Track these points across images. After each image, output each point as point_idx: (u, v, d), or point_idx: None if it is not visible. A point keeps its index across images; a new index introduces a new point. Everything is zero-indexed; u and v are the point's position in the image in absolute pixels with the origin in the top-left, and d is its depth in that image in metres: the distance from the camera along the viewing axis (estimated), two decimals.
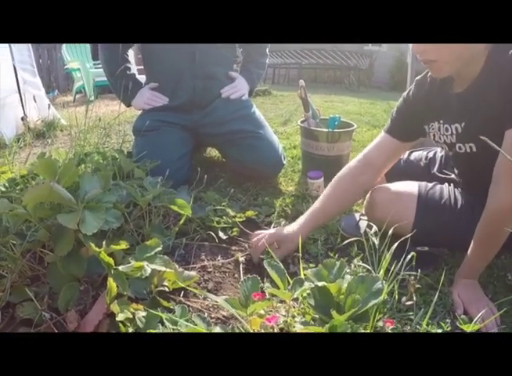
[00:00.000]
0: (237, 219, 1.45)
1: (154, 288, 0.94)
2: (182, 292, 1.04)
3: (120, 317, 0.78)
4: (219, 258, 1.27)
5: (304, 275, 0.91)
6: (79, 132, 2.31)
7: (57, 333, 0.86)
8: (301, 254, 1.30)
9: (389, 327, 0.80)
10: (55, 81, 7.64)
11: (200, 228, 1.39)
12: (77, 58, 6.09)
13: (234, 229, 1.42)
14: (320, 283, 0.80)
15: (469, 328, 0.99)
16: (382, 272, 0.95)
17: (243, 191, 1.79)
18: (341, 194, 1.41)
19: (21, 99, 3.11)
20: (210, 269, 1.16)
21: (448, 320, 1.06)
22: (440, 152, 1.66)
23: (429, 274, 1.27)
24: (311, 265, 1.25)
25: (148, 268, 0.88)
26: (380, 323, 0.85)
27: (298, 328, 0.75)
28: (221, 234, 1.38)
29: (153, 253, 0.95)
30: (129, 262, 0.90)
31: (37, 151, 2.45)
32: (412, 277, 1.00)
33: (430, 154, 1.69)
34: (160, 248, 0.98)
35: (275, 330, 0.80)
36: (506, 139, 1.07)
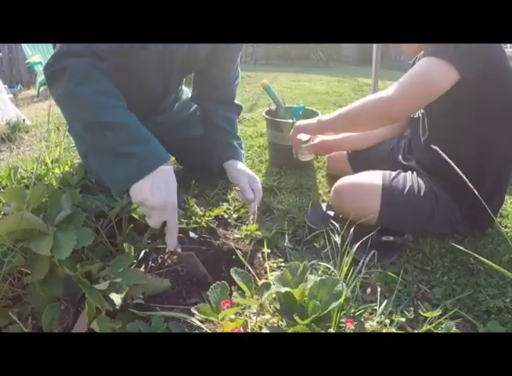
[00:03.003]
0: (206, 218, 1.49)
1: (131, 301, 0.99)
2: (158, 299, 1.11)
3: None
4: None
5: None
6: (47, 132, 2.28)
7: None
8: (268, 250, 1.37)
9: (350, 327, 0.88)
10: (18, 75, 7.44)
11: None
12: (38, 51, 5.92)
13: (204, 228, 1.45)
14: (283, 290, 0.86)
15: (430, 314, 1.04)
16: (344, 271, 1.02)
17: (211, 186, 1.80)
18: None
19: None
20: (182, 273, 1.22)
21: (411, 308, 1.11)
22: (404, 139, 1.73)
23: (394, 262, 1.33)
24: (279, 260, 1.32)
25: (123, 283, 0.93)
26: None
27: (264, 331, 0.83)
28: (191, 234, 1.41)
29: (126, 267, 1.01)
30: (105, 276, 0.96)
31: (4, 157, 2.43)
32: (373, 275, 1.08)
33: (394, 141, 1.75)
34: (132, 261, 1.04)
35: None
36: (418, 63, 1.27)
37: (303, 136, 1.65)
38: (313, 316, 0.82)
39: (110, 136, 1.08)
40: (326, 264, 1.16)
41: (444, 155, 0.85)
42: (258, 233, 1.38)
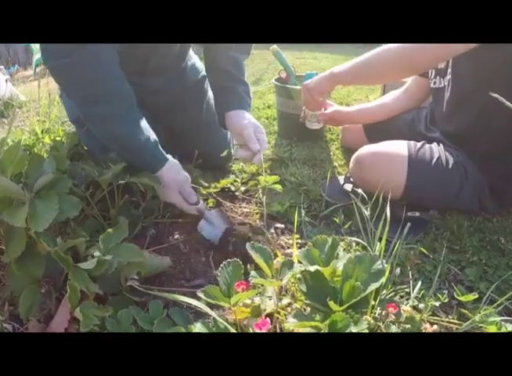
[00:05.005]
0: (212, 190, 1.35)
1: (124, 282, 0.84)
2: (157, 280, 0.95)
3: (83, 327, 0.68)
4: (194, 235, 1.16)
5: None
6: (40, 107, 2.16)
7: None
8: (282, 226, 1.22)
9: (392, 312, 0.72)
10: (15, 55, 7.29)
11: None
12: None
13: (209, 201, 1.31)
14: (313, 268, 0.70)
15: (466, 298, 0.94)
16: (379, 248, 0.87)
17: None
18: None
19: None
20: (185, 250, 1.06)
21: (444, 291, 1.00)
22: (424, 110, 1.60)
23: (420, 240, 1.21)
24: (295, 236, 1.16)
25: (114, 261, 0.78)
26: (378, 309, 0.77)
27: (291, 322, 0.66)
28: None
29: (119, 242, 0.85)
30: (94, 254, 0.80)
31: None
32: (412, 252, 0.92)
33: (413, 112, 1.63)
34: (126, 235, 0.88)
35: None
36: None
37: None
38: (353, 300, 0.66)
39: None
40: (359, 240, 1.00)
41: (505, 101, 0.69)
42: (278, 186, 1.25)
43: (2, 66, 4.93)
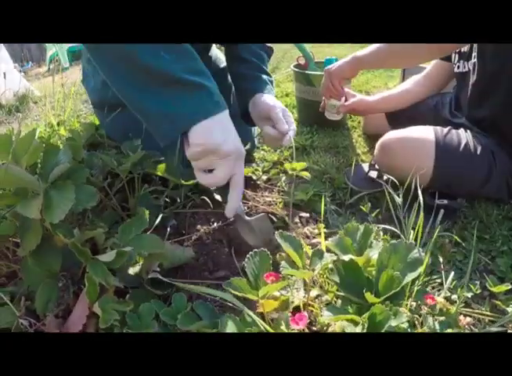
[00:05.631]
0: None
1: (145, 275, 0.79)
2: (179, 272, 0.91)
3: (103, 323, 0.64)
4: (215, 225, 1.09)
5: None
6: (55, 101, 2.14)
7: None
8: (306, 215, 1.17)
9: (430, 305, 0.67)
10: (29, 53, 7.34)
11: (192, 192, 1.18)
12: None
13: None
14: (347, 257, 0.65)
15: (499, 289, 0.90)
16: (412, 236, 0.81)
17: None
18: None
19: None
20: (207, 241, 1.02)
21: (476, 281, 0.96)
22: (449, 95, 1.54)
23: (449, 229, 1.16)
24: (320, 225, 1.11)
25: (134, 253, 0.73)
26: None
27: (326, 316, 0.61)
28: (217, 197, 1.18)
29: (139, 232, 0.81)
30: (112, 245, 0.76)
31: (12, 127, 2.27)
32: (447, 240, 0.87)
33: (437, 97, 1.59)
34: (146, 225, 0.83)
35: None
36: None
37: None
38: (392, 291, 0.61)
39: (168, 59, 0.78)
40: (391, 228, 0.94)
41: None
42: (306, 173, 1.21)
43: (17, 64, 4.97)
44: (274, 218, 1.09)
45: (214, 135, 0.78)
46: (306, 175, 1.21)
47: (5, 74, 2.93)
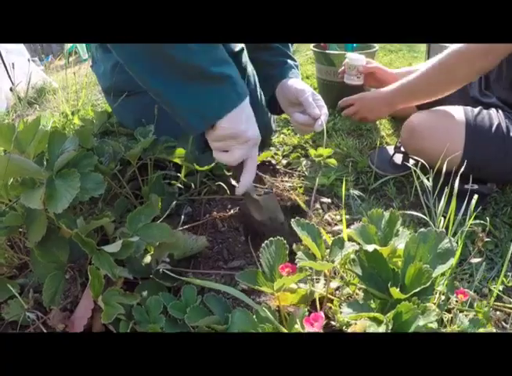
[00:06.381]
0: None
1: (154, 265, 0.75)
2: (192, 262, 0.87)
3: (105, 318, 0.60)
4: (232, 212, 1.05)
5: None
6: (72, 92, 2.13)
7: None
8: (328, 200, 1.12)
9: (462, 300, 0.61)
10: (48, 46, 7.39)
11: (208, 178, 1.14)
12: None
13: None
14: (370, 247, 0.59)
15: None
16: (443, 224, 0.75)
17: None
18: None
19: (6, 70, 2.89)
20: (222, 229, 0.97)
21: (508, 273, 0.91)
22: None
23: (478, 215, 1.07)
24: (342, 212, 1.05)
25: (141, 243, 0.69)
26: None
27: (346, 313, 0.56)
28: (233, 182, 1.10)
29: (149, 221, 0.76)
30: (121, 235, 0.72)
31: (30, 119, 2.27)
32: (481, 228, 0.80)
33: None
34: (157, 213, 0.79)
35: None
36: None
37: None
38: (421, 286, 0.54)
39: (195, 50, 0.78)
40: (420, 214, 0.88)
41: None
42: (333, 161, 1.16)
43: (36, 58, 4.99)
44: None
45: (239, 123, 0.82)
46: (333, 163, 1.15)
47: (13, 64, 2.91)
